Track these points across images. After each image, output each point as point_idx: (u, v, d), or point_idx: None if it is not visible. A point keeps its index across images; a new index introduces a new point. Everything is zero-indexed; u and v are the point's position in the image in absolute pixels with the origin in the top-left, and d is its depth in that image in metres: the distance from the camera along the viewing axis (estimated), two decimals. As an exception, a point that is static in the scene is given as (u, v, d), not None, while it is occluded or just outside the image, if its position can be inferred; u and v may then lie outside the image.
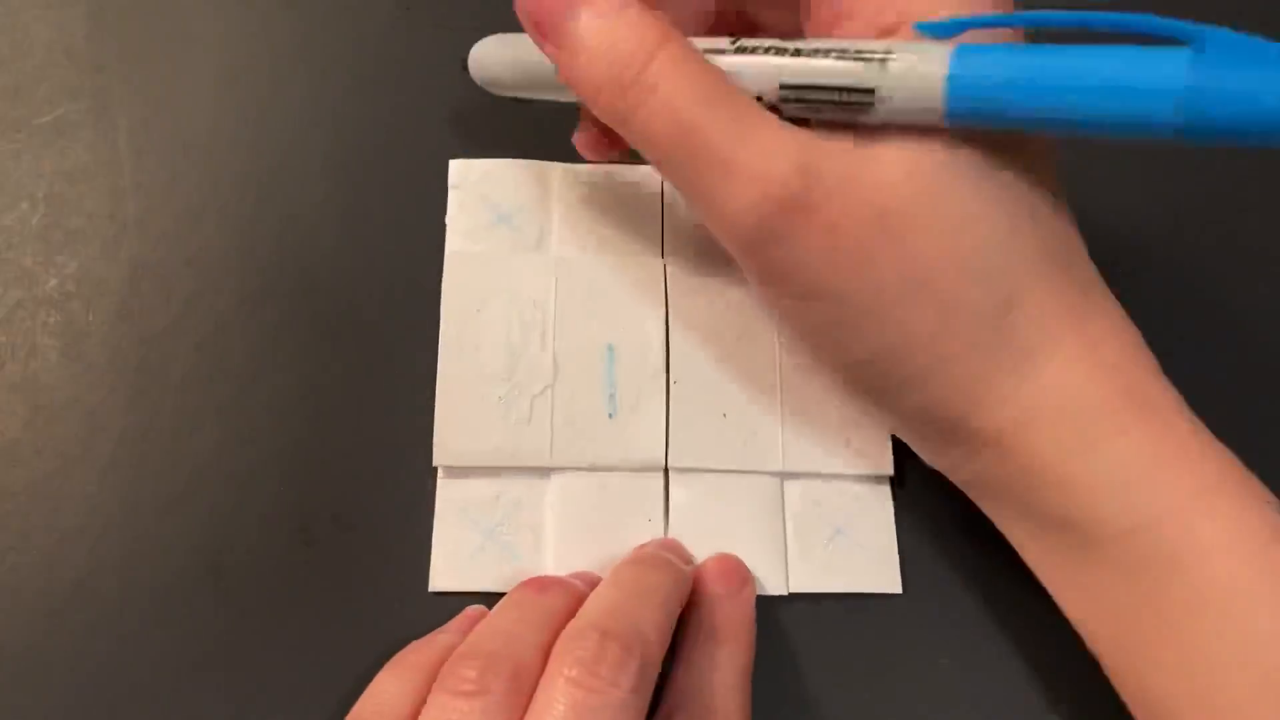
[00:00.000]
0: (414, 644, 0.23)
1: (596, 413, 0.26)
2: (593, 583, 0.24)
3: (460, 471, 0.26)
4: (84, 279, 0.28)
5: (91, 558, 0.25)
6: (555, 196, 0.29)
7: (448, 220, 0.28)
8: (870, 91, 0.19)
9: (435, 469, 0.26)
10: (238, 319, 0.28)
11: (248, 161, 0.29)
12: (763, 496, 0.26)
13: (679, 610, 0.23)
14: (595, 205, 0.29)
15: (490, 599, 0.25)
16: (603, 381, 0.27)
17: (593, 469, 0.26)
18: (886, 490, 0.27)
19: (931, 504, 0.27)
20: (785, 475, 0.27)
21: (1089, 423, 0.21)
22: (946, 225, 0.20)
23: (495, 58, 0.26)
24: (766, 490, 0.27)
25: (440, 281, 0.28)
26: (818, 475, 0.27)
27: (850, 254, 0.20)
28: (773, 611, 0.26)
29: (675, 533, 0.26)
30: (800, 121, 0.21)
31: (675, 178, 0.22)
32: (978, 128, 0.20)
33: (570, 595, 0.23)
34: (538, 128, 0.30)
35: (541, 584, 0.24)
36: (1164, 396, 0.22)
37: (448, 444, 0.26)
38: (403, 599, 0.25)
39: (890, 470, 0.27)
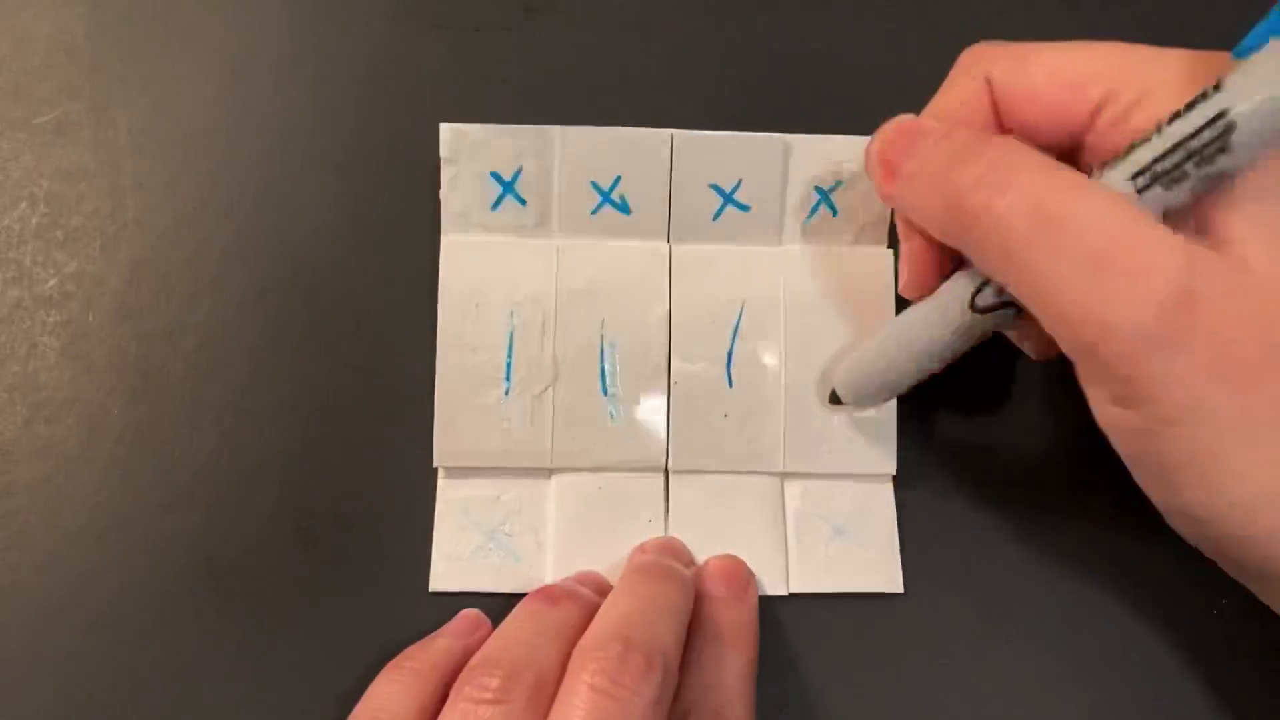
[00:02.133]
0: (410, 648, 0.23)
1: (597, 414, 0.26)
2: (599, 587, 0.24)
3: (461, 471, 0.26)
4: (83, 278, 0.28)
5: (91, 558, 0.25)
6: (557, 169, 0.27)
7: (441, 198, 0.27)
8: (1220, 118, 0.18)
9: (436, 469, 0.26)
10: (237, 318, 0.28)
11: (247, 161, 0.29)
12: (763, 497, 0.26)
13: (688, 619, 0.23)
14: (601, 182, 0.27)
15: (490, 600, 0.25)
16: (604, 382, 0.27)
17: (594, 470, 0.26)
18: (889, 489, 0.27)
19: (934, 503, 0.27)
20: (786, 475, 0.27)
21: None
22: None
23: (861, 379, 0.25)
24: (767, 490, 0.26)
25: (432, 271, 0.27)
26: (819, 475, 0.27)
27: (1236, 370, 0.18)
28: (773, 611, 0.26)
29: (675, 534, 0.26)
30: None
31: (1036, 282, 0.19)
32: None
33: (583, 606, 0.23)
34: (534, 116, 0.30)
35: (553, 595, 0.23)
36: None
37: (448, 446, 0.26)
38: (403, 599, 0.25)
39: (892, 469, 0.27)
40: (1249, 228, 0.19)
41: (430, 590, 0.25)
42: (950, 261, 0.23)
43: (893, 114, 0.30)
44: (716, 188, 0.28)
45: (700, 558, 0.26)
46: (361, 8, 0.32)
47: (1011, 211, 0.19)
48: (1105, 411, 0.20)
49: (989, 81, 0.23)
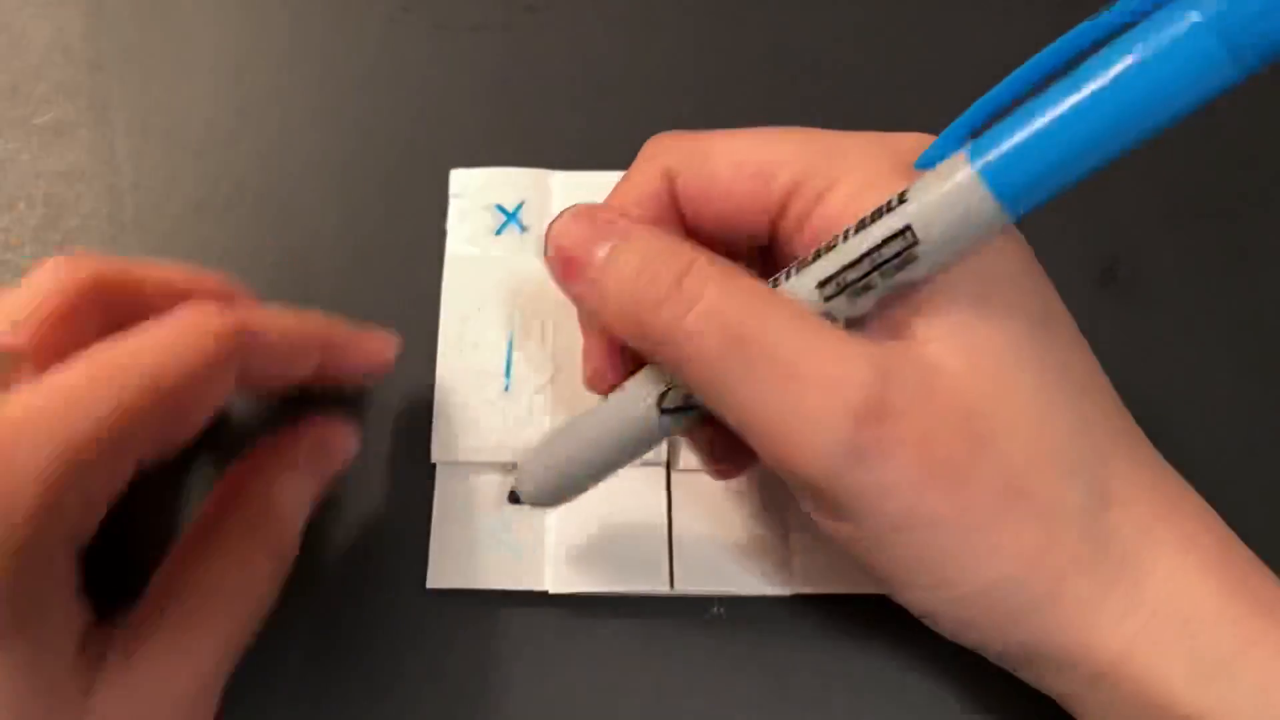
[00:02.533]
0: None
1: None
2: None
3: (459, 468, 0.26)
4: (82, 279, 0.28)
5: (91, 557, 0.25)
6: (556, 202, 0.29)
7: (448, 227, 0.29)
8: (905, 231, 0.18)
9: (434, 464, 0.26)
10: (236, 319, 0.28)
11: (246, 162, 0.29)
12: (765, 495, 0.26)
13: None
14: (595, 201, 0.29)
15: (488, 597, 0.25)
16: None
17: None
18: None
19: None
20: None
21: (1213, 638, 0.18)
22: (1031, 419, 0.19)
23: (541, 476, 0.23)
24: (769, 489, 0.26)
25: (439, 280, 0.28)
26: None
27: (945, 469, 0.18)
28: (774, 611, 0.25)
29: (678, 531, 0.26)
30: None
31: (731, 399, 0.19)
32: (1036, 209, 0.17)
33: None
34: (535, 129, 0.30)
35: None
36: (1265, 580, 0.19)
37: (446, 441, 0.26)
38: (400, 595, 0.25)
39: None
40: (936, 328, 0.19)
41: (427, 587, 0.25)
42: (634, 357, 0.22)
43: (904, 125, 0.30)
44: None
45: (699, 558, 0.25)
46: (361, 7, 0.32)
47: (699, 332, 0.19)
48: (823, 524, 0.20)
49: (670, 175, 0.22)
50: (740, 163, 0.21)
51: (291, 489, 0.23)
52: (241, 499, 0.22)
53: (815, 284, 0.19)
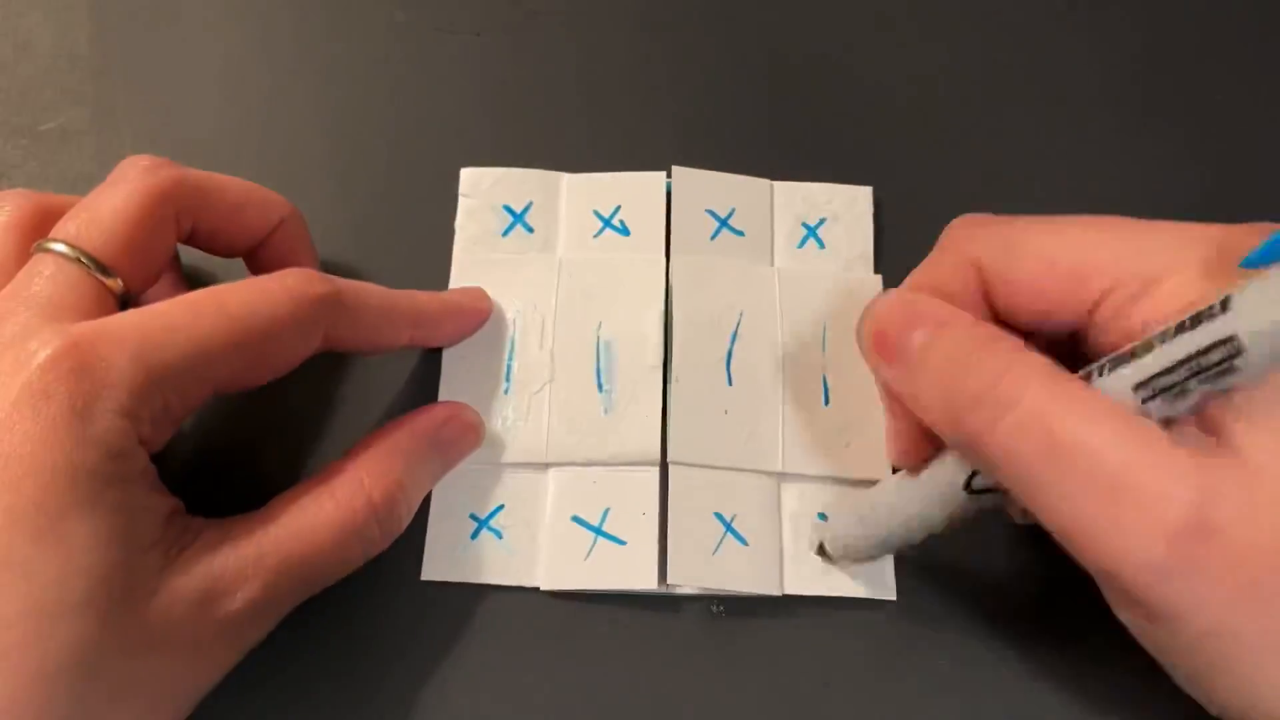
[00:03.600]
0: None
1: (592, 409, 0.27)
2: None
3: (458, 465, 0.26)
4: (88, 284, 0.28)
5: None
6: (564, 203, 0.29)
7: (457, 226, 0.29)
8: (1230, 341, 0.17)
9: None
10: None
11: (250, 167, 0.29)
12: (760, 496, 0.26)
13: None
14: (603, 211, 0.29)
15: (481, 590, 0.25)
16: (599, 378, 0.27)
17: (588, 464, 0.26)
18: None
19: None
20: (783, 476, 0.27)
21: None
22: None
23: (850, 542, 0.25)
24: (764, 490, 0.27)
25: (446, 283, 0.28)
26: (815, 478, 0.27)
27: (1257, 589, 0.18)
28: (767, 612, 0.25)
29: (671, 529, 0.26)
30: None
31: (1043, 501, 0.19)
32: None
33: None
34: (536, 132, 0.31)
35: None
36: None
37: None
38: (394, 588, 0.25)
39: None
40: (1260, 434, 0.18)
41: (422, 579, 0.25)
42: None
43: (913, 136, 0.30)
44: (712, 213, 0.29)
45: (692, 556, 0.25)
46: (364, 13, 0.32)
47: (1017, 436, 0.19)
48: (1131, 624, 0.20)
49: (977, 265, 0.22)
50: (1053, 261, 0.21)
51: (421, 470, 0.24)
52: (371, 466, 0.23)
53: (1131, 385, 0.19)
